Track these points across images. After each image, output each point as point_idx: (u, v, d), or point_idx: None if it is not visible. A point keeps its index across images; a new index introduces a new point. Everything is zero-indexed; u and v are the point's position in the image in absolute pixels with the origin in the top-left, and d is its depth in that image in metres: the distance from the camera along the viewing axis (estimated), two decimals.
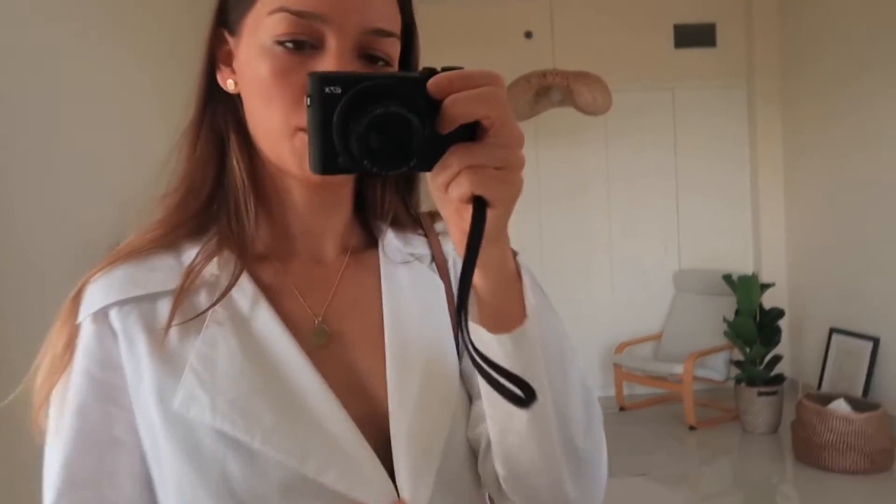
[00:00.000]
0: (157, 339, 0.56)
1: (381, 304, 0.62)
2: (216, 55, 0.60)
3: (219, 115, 0.61)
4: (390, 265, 0.64)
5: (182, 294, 0.57)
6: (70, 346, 0.57)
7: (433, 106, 0.43)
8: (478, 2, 4.80)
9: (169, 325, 0.56)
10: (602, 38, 4.86)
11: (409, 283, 0.64)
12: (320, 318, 0.61)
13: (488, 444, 0.59)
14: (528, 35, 4.79)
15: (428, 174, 0.46)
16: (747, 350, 4.04)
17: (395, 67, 0.58)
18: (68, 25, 1.78)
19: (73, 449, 0.55)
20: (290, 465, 0.54)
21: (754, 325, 4.02)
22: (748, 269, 4.68)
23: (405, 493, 0.55)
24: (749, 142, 5.00)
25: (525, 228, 5.03)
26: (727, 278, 4.27)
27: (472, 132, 0.44)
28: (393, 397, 0.58)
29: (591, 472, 0.57)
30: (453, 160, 0.44)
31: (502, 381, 0.44)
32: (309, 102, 0.43)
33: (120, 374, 0.56)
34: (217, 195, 0.61)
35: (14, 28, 1.52)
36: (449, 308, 0.64)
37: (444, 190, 0.45)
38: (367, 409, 0.58)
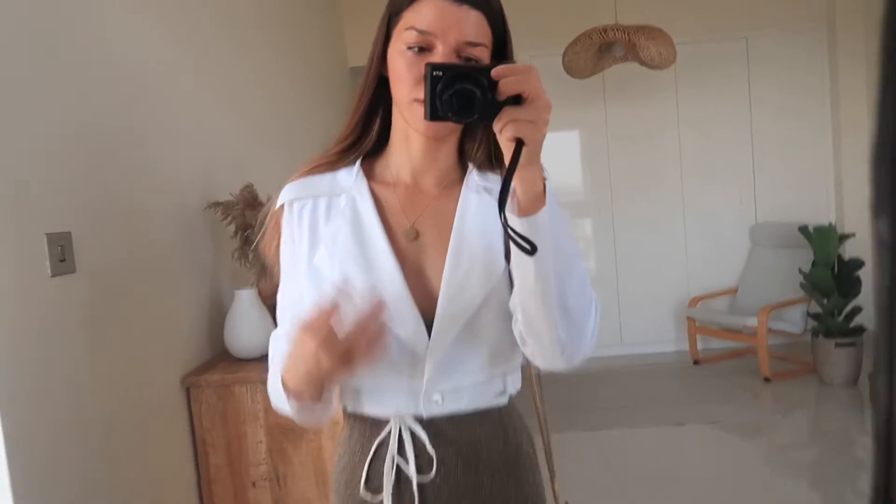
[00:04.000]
0: (314, 222, 0.94)
1: (454, 219, 0.93)
2: (382, 56, 0.93)
3: (378, 92, 0.95)
4: (468, 194, 0.94)
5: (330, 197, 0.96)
6: (277, 222, 0.97)
7: (494, 84, 0.75)
8: None
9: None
10: None
11: (476, 206, 0.94)
12: (412, 223, 0.95)
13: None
14: None
15: (492, 126, 0.76)
16: (825, 302, 3.98)
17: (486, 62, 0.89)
18: (185, 18, 2.00)
19: (281, 287, 0.98)
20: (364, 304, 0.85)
21: (832, 277, 3.95)
22: (826, 221, 4.56)
23: (434, 337, 0.89)
24: (830, 86, 4.81)
25: (596, 184, 5.07)
26: (803, 230, 4.20)
27: (517, 100, 0.75)
28: (445, 276, 0.90)
29: (578, 326, 0.85)
30: (504, 116, 0.74)
31: (521, 241, 0.76)
32: (425, 78, 0.76)
33: (294, 245, 0.94)
34: (364, 142, 0.98)
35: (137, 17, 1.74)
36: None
37: (500, 133, 0.75)
38: (427, 282, 0.92)
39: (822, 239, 4.02)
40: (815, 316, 4.09)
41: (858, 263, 3.95)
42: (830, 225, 4.16)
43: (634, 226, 5.02)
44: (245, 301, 1.95)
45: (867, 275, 4.37)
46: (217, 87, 2.37)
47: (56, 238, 1.37)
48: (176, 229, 1.94)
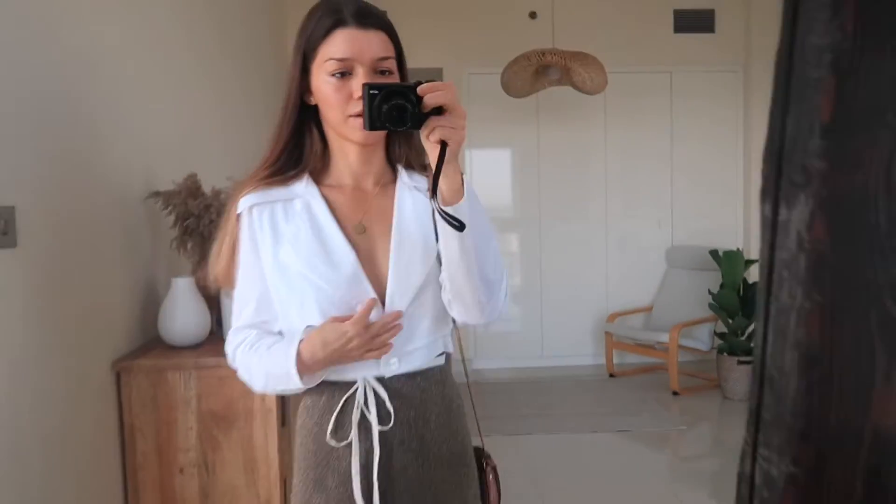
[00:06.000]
0: (274, 223, 1.10)
1: (393, 214, 1.11)
2: (301, 87, 1.10)
3: (305, 114, 1.11)
4: (403, 192, 1.13)
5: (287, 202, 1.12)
6: (234, 230, 1.12)
7: (420, 98, 0.93)
8: None
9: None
10: (603, 20, 5.04)
11: (410, 203, 1.13)
12: (360, 220, 1.12)
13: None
14: (533, 15, 4.97)
15: (420, 132, 0.95)
16: (730, 321, 4.27)
17: (396, 74, 1.09)
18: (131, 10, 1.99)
19: (240, 286, 1.13)
20: (329, 289, 1.08)
21: (738, 298, 4.25)
22: (735, 247, 4.89)
23: (387, 311, 1.08)
24: (743, 125, 5.18)
25: (525, 202, 5.25)
26: (713, 254, 4.49)
27: (440, 110, 0.93)
28: (391, 262, 1.10)
29: (494, 290, 1.06)
30: (430, 123, 0.93)
31: (451, 221, 0.96)
32: (363, 96, 0.95)
33: (257, 246, 1.10)
34: (302, 156, 1.13)
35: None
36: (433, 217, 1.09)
37: (427, 138, 0.94)
38: (377, 268, 1.11)
39: (731, 262, 4.32)
40: (721, 335, 4.38)
41: None
42: (738, 250, 4.47)
43: (560, 243, 5.23)
44: (182, 289, 1.95)
45: None
46: (163, 78, 2.37)
47: (0, 211, 1.36)
48: (116, 215, 1.93)
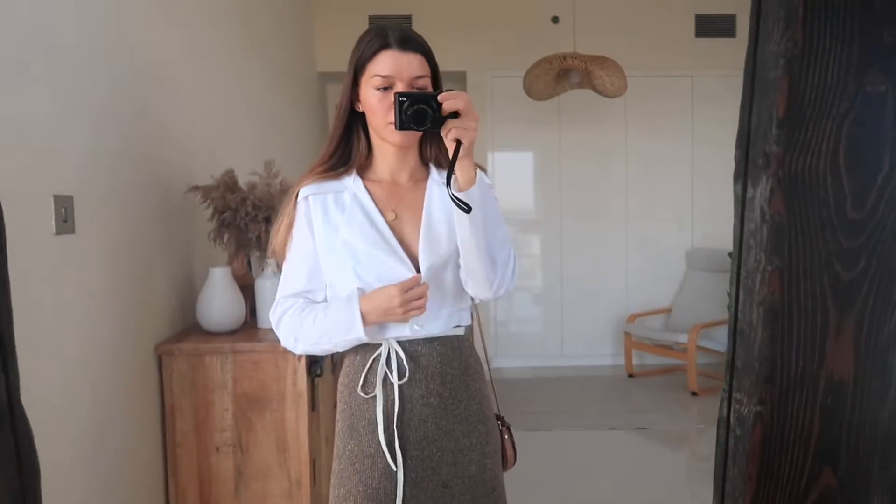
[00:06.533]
0: (327, 210, 1.31)
1: (423, 204, 1.32)
2: (352, 96, 1.31)
3: (354, 119, 1.33)
4: (432, 186, 1.33)
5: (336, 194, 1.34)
6: (292, 214, 1.33)
7: (440, 104, 1.14)
8: None
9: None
10: (624, 25, 5.10)
11: (438, 195, 1.32)
12: (394, 208, 1.32)
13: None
14: (555, 20, 5.06)
15: (440, 132, 1.16)
16: None
17: (431, 89, 1.27)
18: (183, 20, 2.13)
19: (292, 260, 1.34)
20: (375, 261, 1.28)
21: None
22: None
23: (421, 276, 1.28)
24: None
25: (547, 203, 5.33)
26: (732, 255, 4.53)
27: (456, 114, 1.14)
28: (420, 241, 1.30)
29: (501, 269, 1.26)
30: (447, 125, 1.15)
31: (460, 204, 1.15)
32: (394, 102, 1.16)
33: (311, 227, 1.32)
34: (351, 154, 1.35)
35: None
36: None
37: (445, 136, 1.15)
38: (406, 247, 1.31)
39: None
40: None
41: None
42: None
43: (580, 245, 5.30)
44: (219, 278, 2.08)
45: None
46: (200, 83, 2.51)
47: (61, 200, 1.49)
48: (159, 207, 2.06)
